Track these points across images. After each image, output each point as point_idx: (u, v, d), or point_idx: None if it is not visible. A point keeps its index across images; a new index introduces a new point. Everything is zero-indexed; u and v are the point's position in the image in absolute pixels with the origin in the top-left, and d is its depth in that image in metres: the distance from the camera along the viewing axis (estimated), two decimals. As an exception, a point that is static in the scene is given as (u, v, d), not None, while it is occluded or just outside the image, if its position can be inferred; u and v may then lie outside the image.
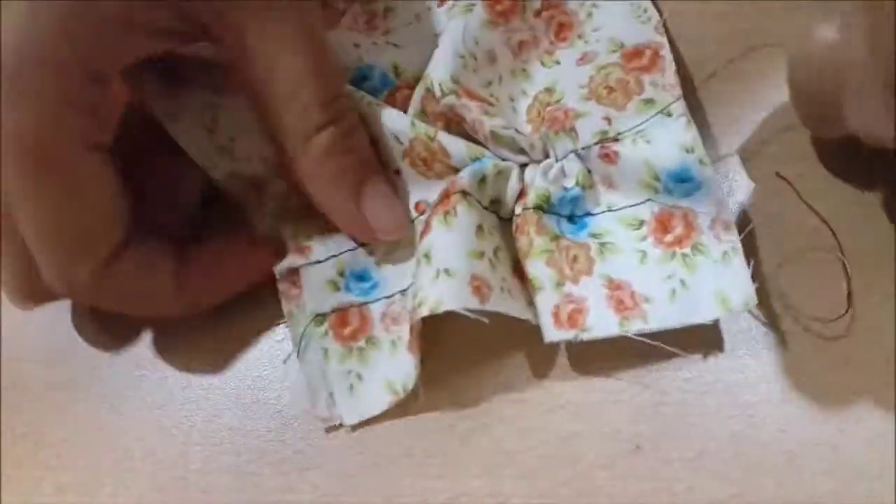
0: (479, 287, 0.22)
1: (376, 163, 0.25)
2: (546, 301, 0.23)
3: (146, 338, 0.27)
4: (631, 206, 0.24)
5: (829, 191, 0.24)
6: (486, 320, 0.21)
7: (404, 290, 0.25)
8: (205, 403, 0.25)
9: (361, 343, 0.25)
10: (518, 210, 0.24)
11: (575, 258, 0.23)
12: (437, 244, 0.23)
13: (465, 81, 0.25)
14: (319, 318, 0.25)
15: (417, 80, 0.26)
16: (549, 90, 0.26)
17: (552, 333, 0.23)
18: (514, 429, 0.23)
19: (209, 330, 0.26)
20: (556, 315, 0.23)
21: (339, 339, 0.25)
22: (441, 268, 0.22)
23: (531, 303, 0.23)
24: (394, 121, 0.25)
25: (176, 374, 0.26)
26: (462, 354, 0.24)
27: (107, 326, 0.27)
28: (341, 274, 0.25)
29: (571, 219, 0.24)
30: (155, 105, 0.25)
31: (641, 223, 0.24)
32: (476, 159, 0.24)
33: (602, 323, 0.22)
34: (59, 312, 0.27)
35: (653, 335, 0.22)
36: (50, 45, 0.21)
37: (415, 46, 0.27)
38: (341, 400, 0.24)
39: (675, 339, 0.22)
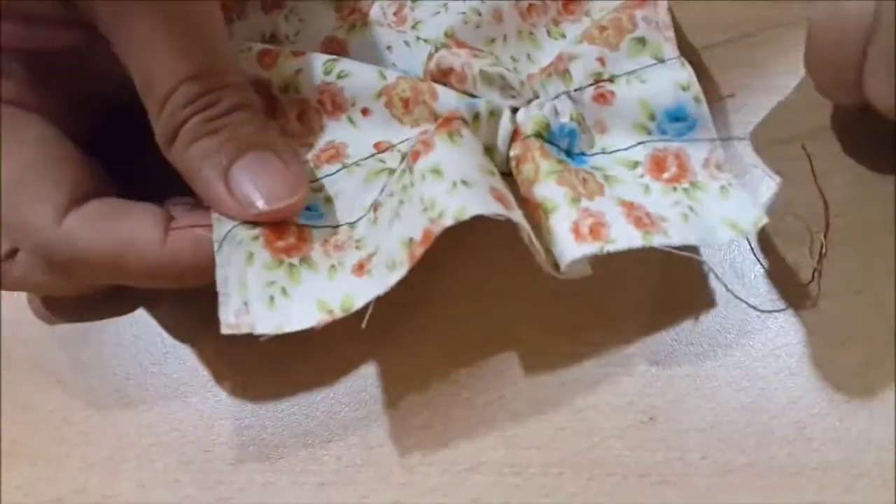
0: (500, 196, 0.21)
1: (259, 135, 0.23)
2: (563, 219, 0.22)
3: (171, 314, 0.27)
4: (623, 149, 0.24)
5: (839, 169, 0.24)
6: (523, 224, 0.21)
7: (353, 222, 0.24)
8: (230, 379, 0.26)
9: (294, 260, 0.23)
10: (514, 151, 0.24)
11: (585, 180, 0.23)
12: (447, 159, 0.22)
13: (463, 36, 0.25)
14: (249, 224, 0.23)
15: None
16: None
17: (574, 249, 0.21)
18: (530, 401, 0.24)
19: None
20: (576, 230, 0.22)
21: (269, 248, 0.23)
22: (458, 179, 0.21)
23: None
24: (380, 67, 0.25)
25: (200, 351, 0.26)
26: (476, 330, 0.25)
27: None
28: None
29: (569, 153, 0.24)
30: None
31: (636, 164, 0.24)
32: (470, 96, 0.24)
33: (625, 235, 0.22)
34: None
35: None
36: None
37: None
38: (257, 309, 0.22)
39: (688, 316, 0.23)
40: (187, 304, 0.27)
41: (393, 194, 0.23)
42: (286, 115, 0.26)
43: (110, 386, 0.27)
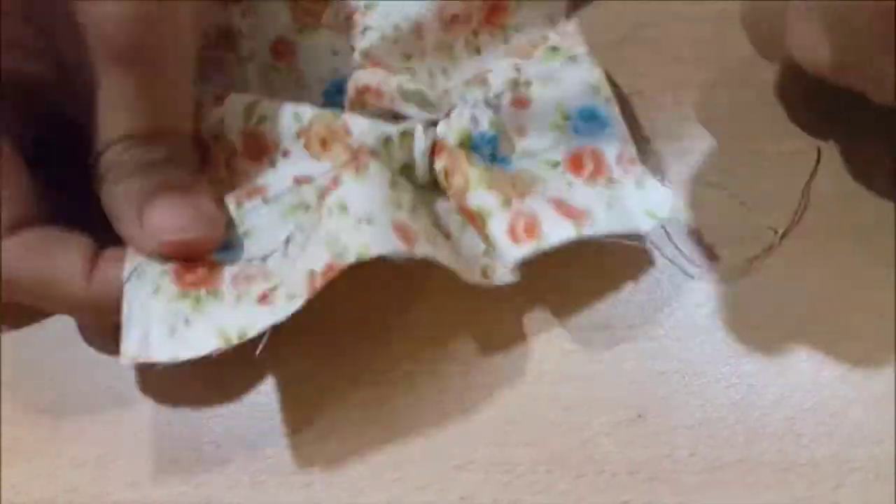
0: (405, 233, 0.22)
1: (179, 181, 0.24)
2: (499, 223, 0.23)
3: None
4: (542, 149, 0.25)
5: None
6: (427, 253, 0.22)
7: (265, 256, 0.24)
8: (219, 379, 0.26)
9: (202, 292, 0.23)
10: (440, 163, 0.25)
11: (513, 183, 0.24)
12: (352, 196, 0.23)
13: (380, 52, 0.26)
14: (163, 260, 0.24)
15: None
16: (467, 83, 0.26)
17: (513, 251, 0.23)
18: (520, 399, 0.24)
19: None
20: (512, 232, 0.23)
21: (178, 282, 0.23)
22: (361, 217, 0.22)
23: (457, 258, 0.24)
24: (295, 104, 0.25)
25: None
26: (464, 330, 0.25)
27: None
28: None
29: (494, 159, 0.25)
30: None
31: (557, 163, 0.25)
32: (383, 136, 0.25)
33: (557, 229, 0.23)
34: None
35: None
36: None
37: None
38: (157, 339, 0.23)
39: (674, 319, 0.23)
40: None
41: (304, 230, 0.24)
42: (216, 163, 0.27)
43: (102, 385, 0.27)
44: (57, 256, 0.24)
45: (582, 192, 0.24)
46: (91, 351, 0.27)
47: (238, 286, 0.24)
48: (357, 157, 0.24)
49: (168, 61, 0.23)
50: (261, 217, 0.25)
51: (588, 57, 0.25)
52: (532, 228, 0.23)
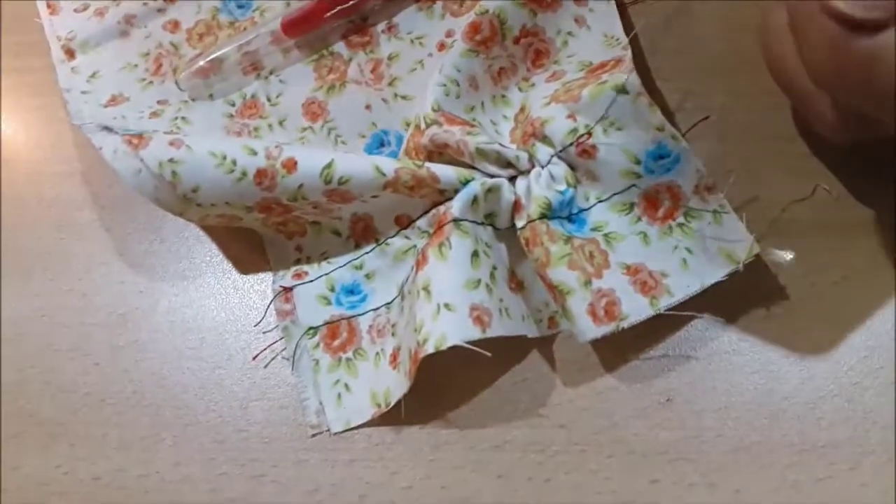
0: (479, 317, 0.23)
1: None
2: (579, 302, 0.24)
3: (203, 305, 0.28)
4: (617, 193, 0.25)
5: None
6: (487, 353, 0.22)
7: (389, 303, 0.27)
8: (263, 361, 0.27)
9: (350, 354, 0.27)
10: (520, 223, 0.25)
11: (591, 255, 0.25)
12: (436, 278, 0.24)
13: (449, 108, 0.26)
14: (312, 330, 0.27)
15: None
16: (522, 108, 0.27)
17: (593, 331, 0.23)
18: (553, 384, 0.25)
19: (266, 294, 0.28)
20: (593, 313, 0.24)
21: (329, 350, 0.27)
22: (441, 302, 0.23)
23: (525, 316, 0.25)
24: (374, 159, 0.26)
25: (234, 336, 0.28)
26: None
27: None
28: (331, 289, 0.27)
29: (570, 218, 0.25)
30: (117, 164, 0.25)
31: (632, 206, 0.25)
32: (466, 181, 0.25)
33: (636, 307, 0.24)
34: (123, 282, 0.29)
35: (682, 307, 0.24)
36: None
37: (422, 96, 0.27)
38: (330, 409, 0.26)
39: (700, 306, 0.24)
40: (217, 294, 0.28)
41: (411, 292, 0.25)
42: (304, 209, 0.27)
43: (147, 369, 0.28)
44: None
45: (658, 249, 0.24)
46: (134, 337, 0.28)
47: (374, 340, 0.26)
48: (441, 230, 0.25)
49: None
50: (376, 258, 0.27)
51: (638, 87, 0.24)
52: (612, 309, 0.24)
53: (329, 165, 0.25)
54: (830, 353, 0.24)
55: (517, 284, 0.26)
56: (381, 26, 0.29)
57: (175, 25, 0.30)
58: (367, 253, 0.27)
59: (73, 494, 0.26)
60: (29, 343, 0.28)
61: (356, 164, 0.25)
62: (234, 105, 0.29)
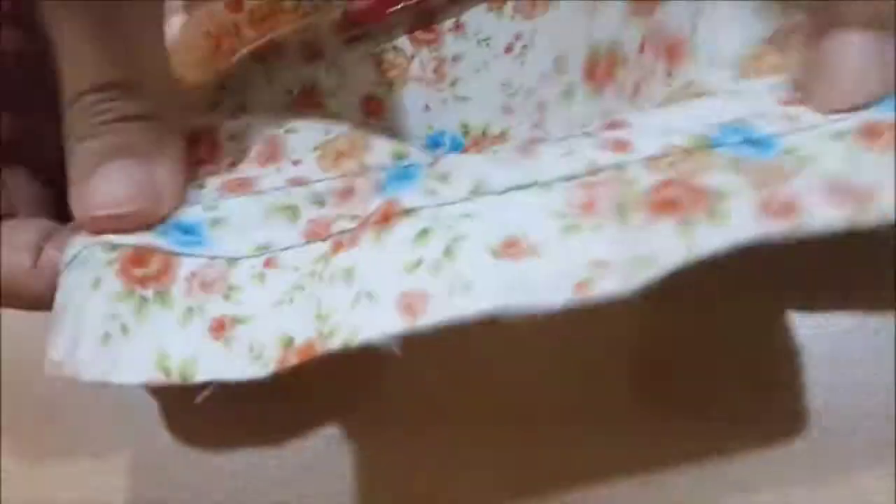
0: (409, 305, 0.19)
1: (140, 145, 0.21)
2: (744, 201, 0.18)
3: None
4: (827, 121, 0.20)
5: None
6: (396, 352, 0.18)
7: (234, 259, 0.21)
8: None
9: (149, 293, 0.20)
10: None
11: (772, 170, 0.19)
12: (363, 263, 0.20)
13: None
14: (109, 245, 0.20)
15: (484, 134, 0.27)
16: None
17: (761, 226, 0.18)
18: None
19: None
20: (765, 206, 0.18)
21: (124, 276, 0.20)
22: (363, 290, 0.19)
23: (538, 283, 0.18)
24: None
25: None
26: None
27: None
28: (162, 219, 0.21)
29: (748, 142, 0.20)
30: None
31: (846, 133, 0.19)
32: (400, 157, 0.23)
33: (825, 216, 0.18)
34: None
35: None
36: None
37: (482, 98, 0.27)
38: (86, 347, 0.19)
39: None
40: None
41: (297, 269, 0.21)
42: (218, 163, 0.24)
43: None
44: (4, 246, 0.22)
45: (871, 162, 0.19)
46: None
47: (192, 292, 0.20)
48: (386, 216, 0.20)
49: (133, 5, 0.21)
50: (239, 207, 0.22)
51: None
52: (792, 207, 0.18)
53: (289, 119, 0.24)
54: (825, 319, 0.25)
55: (523, 249, 0.19)
56: (449, 24, 0.29)
57: (237, 5, 0.29)
58: (228, 200, 0.22)
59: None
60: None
61: (311, 124, 0.24)
62: (291, 93, 0.28)
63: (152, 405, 0.28)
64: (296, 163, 0.23)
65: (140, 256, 0.20)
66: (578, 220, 0.19)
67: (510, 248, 0.19)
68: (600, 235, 0.18)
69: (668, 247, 0.18)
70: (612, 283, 0.18)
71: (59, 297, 0.20)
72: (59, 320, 0.19)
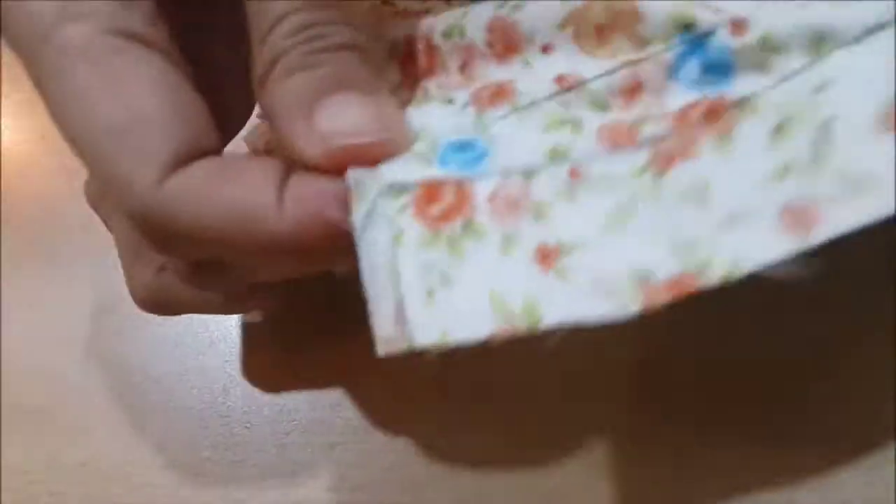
0: (797, 216, 0.15)
1: (360, 78, 0.19)
2: None
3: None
4: None
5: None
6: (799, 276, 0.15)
7: (531, 172, 0.17)
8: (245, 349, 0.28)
9: (456, 228, 0.17)
10: None
11: None
12: (715, 177, 0.15)
13: None
14: (396, 188, 0.17)
15: None
16: None
17: None
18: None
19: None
20: None
21: (423, 218, 0.17)
22: (729, 211, 0.15)
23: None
24: None
25: (216, 322, 0.28)
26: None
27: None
28: (432, 148, 0.18)
29: None
30: None
31: None
32: (685, 25, 0.17)
33: None
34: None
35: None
36: None
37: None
38: (414, 308, 0.16)
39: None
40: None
41: (612, 184, 0.17)
42: (446, 68, 0.20)
43: (131, 355, 0.28)
44: (237, 187, 0.18)
45: None
46: (121, 325, 0.28)
47: (501, 214, 0.17)
48: (718, 112, 0.16)
49: None
50: (509, 126, 0.18)
51: None
52: None
53: None
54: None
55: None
56: None
57: None
58: (492, 119, 0.18)
59: (57, 482, 0.27)
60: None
61: None
62: None
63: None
64: (545, 49, 0.18)
65: (431, 191, 0.17)
66: None
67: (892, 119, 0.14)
68: None
69: None
70: None
71: (366, 264, 0.17)
72: (374, 292, 0.16)
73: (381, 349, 0.16)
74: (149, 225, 0.19)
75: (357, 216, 0.17)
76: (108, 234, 0.30)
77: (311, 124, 0.18)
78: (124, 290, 0.29)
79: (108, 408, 0.27)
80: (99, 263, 0.29)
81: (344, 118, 0.18)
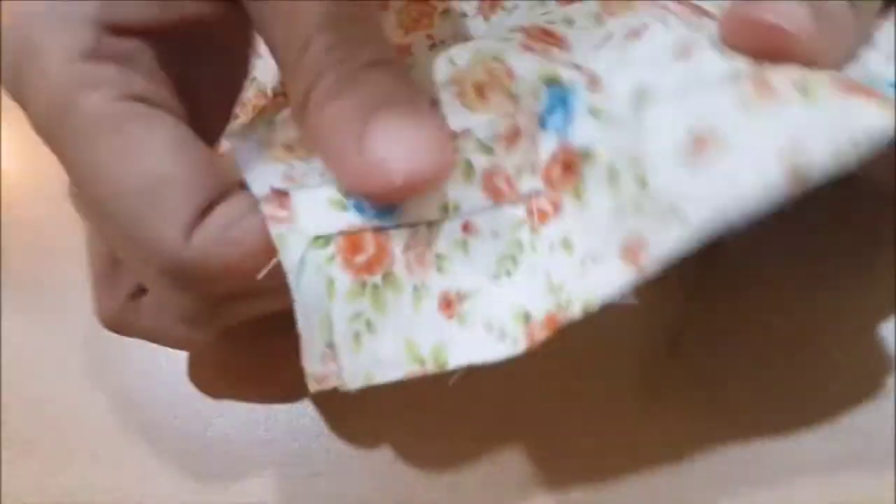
0: (630, 249, 0.18)
1: (401, 93, 0.19)
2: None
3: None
4: None
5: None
6: (633, 302, 0.18)
7: (432, 223, 0.19)
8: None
9: (377, 279, 0.19)
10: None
11: None
12: (576, 230, 0.19)
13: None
14: (322, 240, 0.19)
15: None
16: None
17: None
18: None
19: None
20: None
21: (349, 267, 0.19)
22: (586, 254, 0.19)
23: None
24: (459, 45, 0.21)
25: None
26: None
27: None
28: (347, 194, 0.19)
29: None
30: None
31: None
32: (550, 81, 0.19)
33: None
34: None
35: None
36: (58, 4, 0.20)
37: None
38: (345, 353, 0.19)
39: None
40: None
41: (497, 235, 0.20)
42: None
43: (118, 383, 0.29)
44: (260, 223, 0.19)
45: None
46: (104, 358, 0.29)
47: (411, 267, 0.19)
48: (570, 166, 0.19)
49: None
50: None
51: None
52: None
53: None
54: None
55: (711, 143, 0.17)
56: None
57: None
58: None
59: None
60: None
61: (438, 52, 0.21)
62: None
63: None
64: (432, 103, 0.20)
65: (353, 241, 0.19)
66: (757, 100, 0.17)
67: (699, 146, 0.17)
68: (788, 113, 0.17)
69: (872, 123, 0.16)
70: (822, 158, 0.16)
71: (300, 308, 0.18)
72: (308, 335, 0.18)
73: (312, 387, 0.19)
74: (181, 276, 0.19)
75: (289, 263, 0.18)
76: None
77: (362, 152, 0.18)
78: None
79: (96, 435, 0.28)
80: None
81: (396, 144, 0.18)
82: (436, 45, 0.27)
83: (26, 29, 0.20)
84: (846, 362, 0.24)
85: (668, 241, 0.17)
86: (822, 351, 0.24)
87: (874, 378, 0.24)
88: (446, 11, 0.28)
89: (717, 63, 0.18)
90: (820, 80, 0.17)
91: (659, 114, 0.18)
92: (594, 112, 0.19)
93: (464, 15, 0.28)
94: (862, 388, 0.23)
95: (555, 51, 0.20)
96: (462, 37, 0.27)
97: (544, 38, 0.21)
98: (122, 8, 0.20)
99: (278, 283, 0.18)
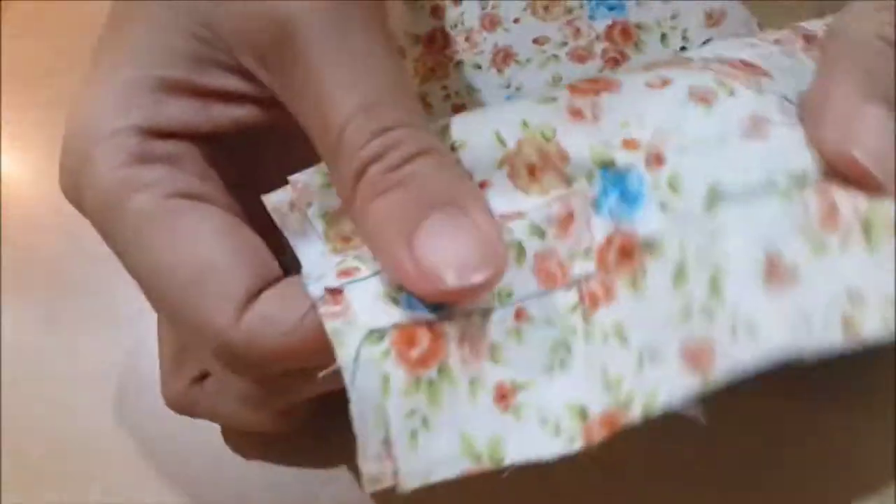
0: (695, 355, 0.18)
1: (448, 189, 0.19)
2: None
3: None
4: None
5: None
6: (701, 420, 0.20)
7: (486, 310, 0.19)
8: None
9: (433, 373, 0.18)
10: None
11: None
12: (631, 319, 0.19)
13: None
14: (375, 334, 0.18)
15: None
16: None
17: None
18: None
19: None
20: None
21: (404, 362, 0.18)
22: (644, 349, 0.18)
23: (808, 315, 0.18)
24: (499, 118, 0.20)
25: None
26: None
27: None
28: (399, 288, 0.19)
29: None
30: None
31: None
32: (604, 164, 0.19)
33: None
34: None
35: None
36: (108, 117, 0.21)
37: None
38: (401, 452, 0.18)
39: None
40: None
41: (550, 323, 0.19)
42: None
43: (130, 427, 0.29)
44: (307, 305, 0.19)
45: None
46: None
47: (466, 360, 0.19)
48: (631, 255, 0.19)
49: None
50: None
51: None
52: None
53: (447, 125, 0.20)
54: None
55: (784, 272, 0.18)
56: None
57: None
58: None
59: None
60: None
61: (475, 129, 0.20)
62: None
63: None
64: (482, 185, 0.20)
65: (407, 335, 0.18)
66: (820, 230, 0.18)
67: (773, 271, 0.18)
68: (851, 259, 0.18)
69: None
70: (874, 324, 0.17)
71: (357, 407, 0.18)
72: (363, 432, 0.18)
73: (368, 487, 0.18)
74: (233, 357, 0.20)
75: (344, 362, 0.18)
76: (112, 297, 0.31)
77: (414, 256, 0.18)
78: (122, 357, 0.30)
79: (103, 475, 0.28)
80: (101, 328, 0.30)
81: (447, 251, 0.18)
82: (450, 97, 0.28)
83: (82, 140, 0.21)
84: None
85: (741, 355, 0.17)
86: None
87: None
88: (460, 63, 0.29)
89: (789, 152, 0.19)
90: (884, 219, 0.18)
91: (731, 217, 0.18)
92: (662, 205, 0.19)
93: (477, 67, 0.29)
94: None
95: (603, 103, 0.20)
96: (476, 90, 0.28)
97: (593, 87, 0.21)
98: (167, 115, 0.21)
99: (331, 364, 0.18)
